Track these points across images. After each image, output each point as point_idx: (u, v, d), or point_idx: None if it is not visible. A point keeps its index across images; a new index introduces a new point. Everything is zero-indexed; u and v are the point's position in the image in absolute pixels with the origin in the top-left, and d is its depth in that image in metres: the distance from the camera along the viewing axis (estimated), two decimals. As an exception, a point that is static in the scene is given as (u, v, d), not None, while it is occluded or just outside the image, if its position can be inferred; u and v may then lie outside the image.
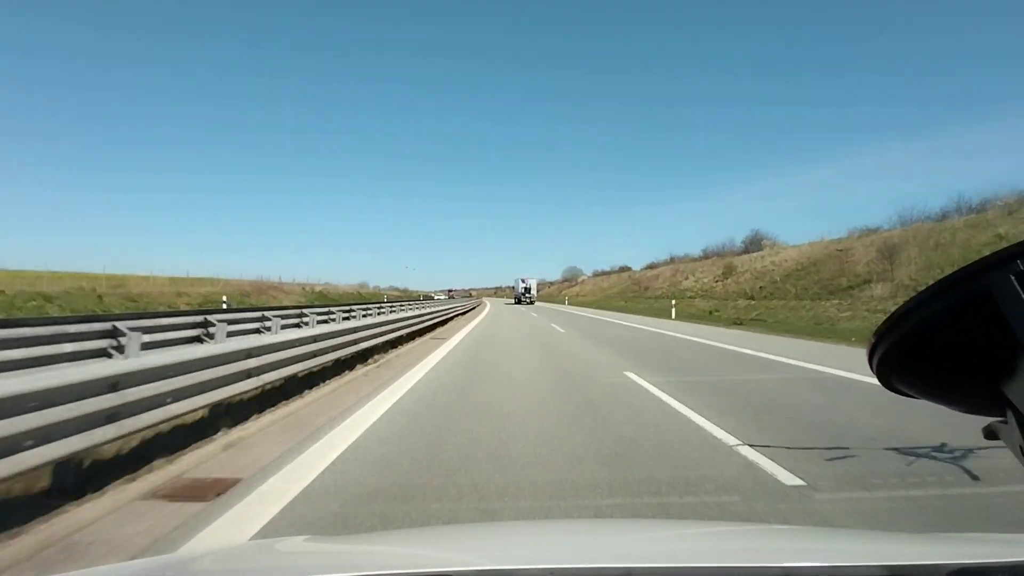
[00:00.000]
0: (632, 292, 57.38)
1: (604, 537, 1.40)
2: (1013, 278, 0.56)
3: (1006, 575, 0.87)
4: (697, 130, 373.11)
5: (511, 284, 76.88)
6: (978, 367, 0.66)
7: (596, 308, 46.75)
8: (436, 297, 58.27)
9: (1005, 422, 0.67)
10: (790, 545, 1.31)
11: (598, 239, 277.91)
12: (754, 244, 49.54)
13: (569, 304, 62.98)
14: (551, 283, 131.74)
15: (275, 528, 2.90)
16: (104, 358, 5.24)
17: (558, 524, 2.40)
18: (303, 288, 52.92)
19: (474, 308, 45.54)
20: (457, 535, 1.67)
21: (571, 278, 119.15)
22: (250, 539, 2.74)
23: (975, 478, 3.48)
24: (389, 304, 22.18)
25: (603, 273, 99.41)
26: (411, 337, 15.00)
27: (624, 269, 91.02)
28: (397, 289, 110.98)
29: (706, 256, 59.24)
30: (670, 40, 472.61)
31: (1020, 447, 0.65)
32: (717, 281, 38.91)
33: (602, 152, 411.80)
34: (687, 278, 46.64)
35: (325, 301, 43.78)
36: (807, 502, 3.19)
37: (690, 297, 38.97)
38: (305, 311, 12.68)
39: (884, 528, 2.76)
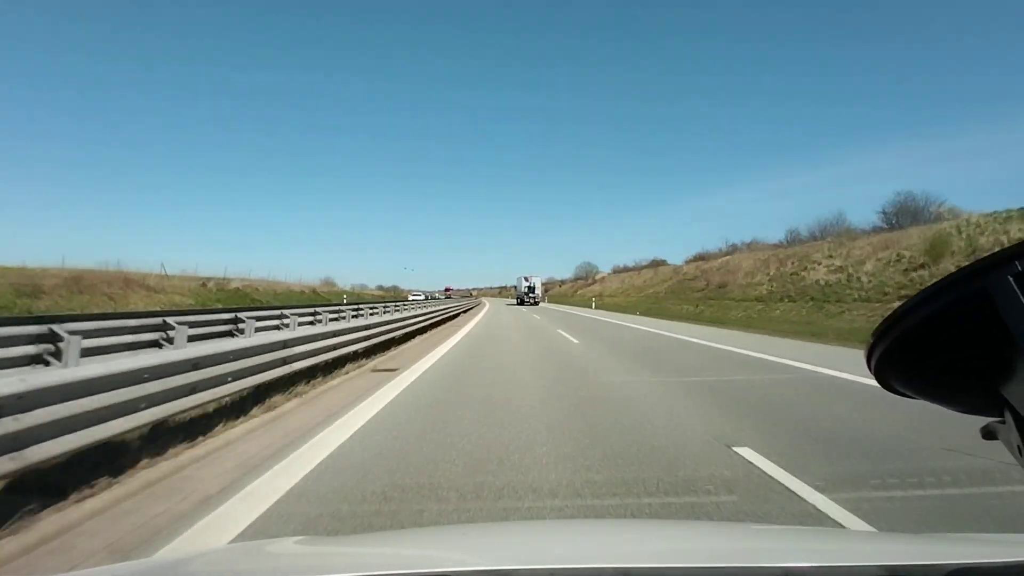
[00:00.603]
0: (695, 291, 39.29)
1: (603, 537, 1.38)
2: (1011, 279, 0.55)
3: (1004, 575, 0.87)
4: (694, 132, 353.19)
5: (515, 284, 67.68)
6: (976, 368, 0.65)
7: (661, 318, 28.44)
8: (412, 298, 41.24)
9: (1003, 422, 0.66)
10: (789, 545, 1.28)
11: (610, 235, 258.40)
12: (907, 213, 31.31)
13: (597, 308, 45.10)
14: (562, 282, 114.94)
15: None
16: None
17: (557, 524, 2.36)
18: (204, 285, 34.86)
19: (457, 316, 27.82)
20: (455, 535, 1.64)
21: (586, 276, 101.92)
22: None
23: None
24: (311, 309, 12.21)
25: (627, 269, 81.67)
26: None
27: (658, 263, 73.25)
28: (382, 289, 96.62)
29: (795, 240, 41.42)
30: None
31: (1018, 447, 0.64)
32: (914, 269, 20.58)
33: (610, 148, 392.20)
34: (806, 268, 28.48)
35: (238, 304, 26.98)
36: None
37: (860, 299, 20.76)
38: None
39: (884, 528, 2.67)
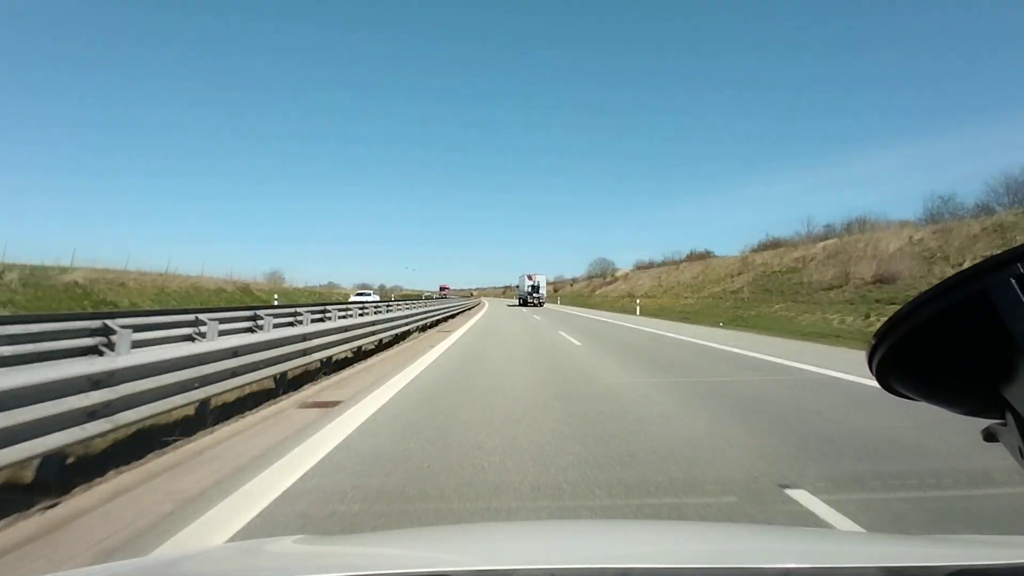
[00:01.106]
0: (816, 289, 25.04)
1: (603, 537, 1.36)
2: (1013, 281, 0.55)
3: None
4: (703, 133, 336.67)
5: (518, 283, 60.64)
6: (977, 370, 0.65)
7: (834, 341, 13.95)
8: (356, 299, 28.30)
9: (1004, 424, 0.66)
10: (789, 546, 1.27)
11: (624, 229, 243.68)
12: None
13: (643, 314, 31.03)
14: (574, 280, 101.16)
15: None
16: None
17: (557, 524, 2.35)
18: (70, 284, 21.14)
19: (416, 330, 13.61)
20: (455, 535, 1.62)
21: (602, 273, 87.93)
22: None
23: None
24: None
25: (655, 264, 67.20)
26: None
27: (701, 255, 58.94)
28: (382, 288, 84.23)
29: (949, 211, 27.40)
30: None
31: (1019, 449, 0.64)
32: None
33: (616, 144, 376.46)
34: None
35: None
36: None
37: None
38: None
39: (884, 529, 2.67)
